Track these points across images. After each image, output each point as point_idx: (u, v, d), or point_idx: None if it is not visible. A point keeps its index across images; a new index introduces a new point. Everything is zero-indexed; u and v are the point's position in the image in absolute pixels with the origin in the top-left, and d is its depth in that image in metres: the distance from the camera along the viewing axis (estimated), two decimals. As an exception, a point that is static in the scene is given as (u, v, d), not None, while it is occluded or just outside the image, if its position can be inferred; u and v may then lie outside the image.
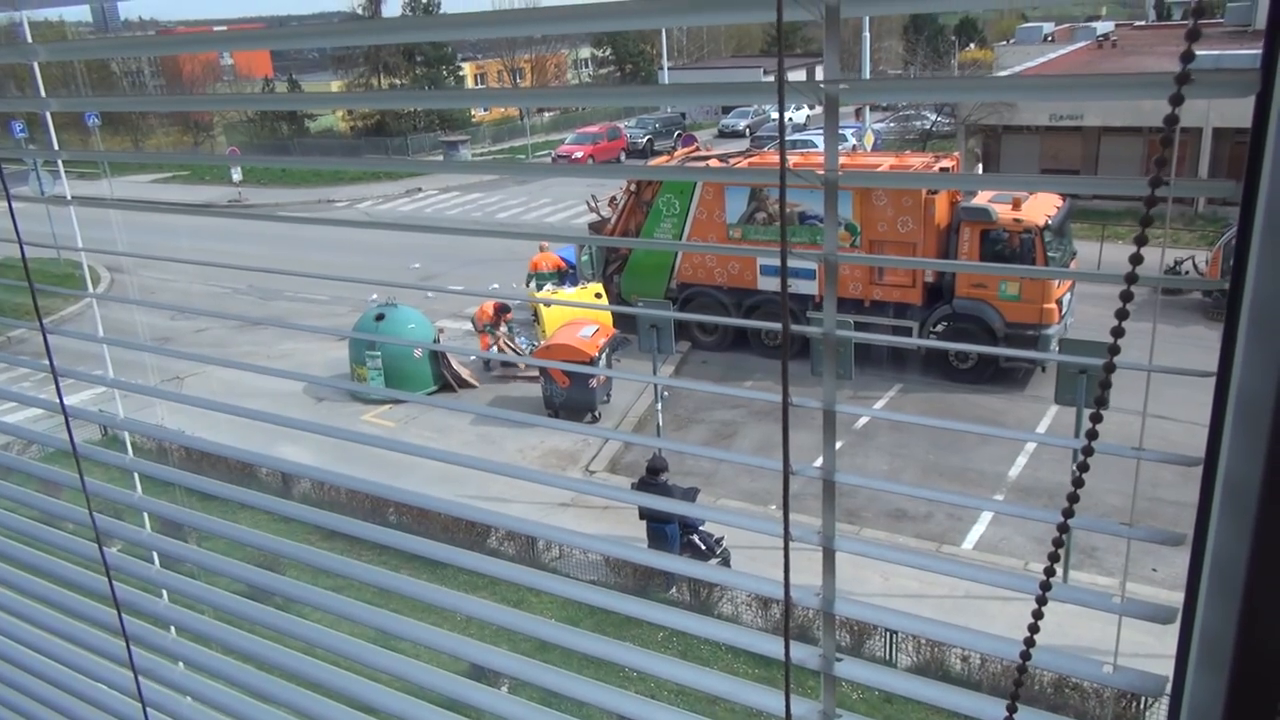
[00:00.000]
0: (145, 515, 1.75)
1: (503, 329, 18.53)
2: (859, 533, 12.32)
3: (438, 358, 17.33)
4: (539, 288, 20.85)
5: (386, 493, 1.66)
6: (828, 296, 1.19)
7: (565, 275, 20.52)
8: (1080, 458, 0.96)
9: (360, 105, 1.52)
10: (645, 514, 10.89)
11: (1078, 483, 0.94)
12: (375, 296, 23.06)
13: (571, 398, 15.77)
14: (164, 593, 1.75)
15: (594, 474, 14.27)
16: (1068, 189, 0.98)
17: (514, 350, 18.49)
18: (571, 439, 15.29)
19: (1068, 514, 0.94)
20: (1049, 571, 0.96)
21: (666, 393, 16.49)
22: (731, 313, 18.47)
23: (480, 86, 63.34)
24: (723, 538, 11.34)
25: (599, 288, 18.83)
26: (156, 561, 1.74)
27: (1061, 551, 0.97)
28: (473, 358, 18.34)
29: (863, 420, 15.51)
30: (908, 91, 1.01)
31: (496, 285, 23.28)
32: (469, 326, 19.00)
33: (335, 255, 26.56)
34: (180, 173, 43.65)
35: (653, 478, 10.77)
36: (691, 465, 14.36)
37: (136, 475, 1.73)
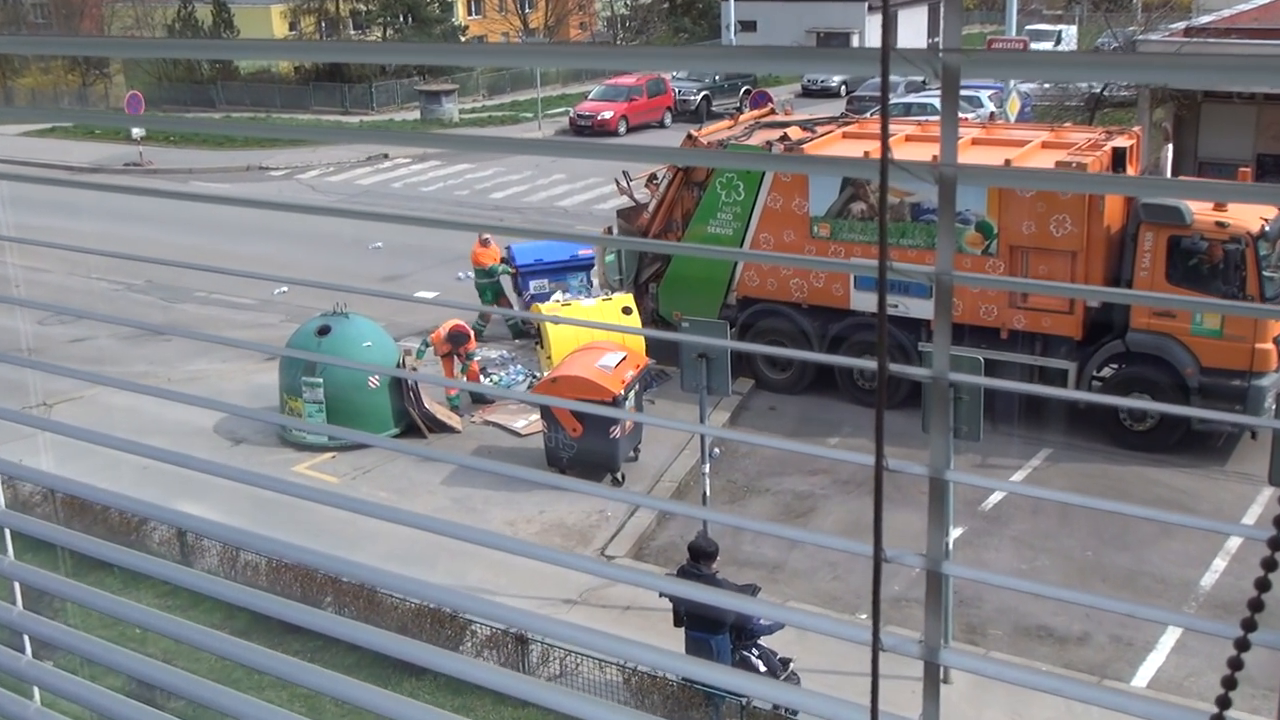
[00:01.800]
0: (16, 586, 1.83)
1: (456, 366, 18.47)
2: (985, 657, 12.24)
3: (402, 390, 17.52)
4: (487, 290, 21.26)
5: (324, 564, 1.72)
6: (939, 327, 1.25)
7: (515, 274, 21.10)
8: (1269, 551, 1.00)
9: (310, 57, 1.60)
10: (684, 619, 10.88)
11: (1263, 585, 0.99)
12: (284, 289, 23.58)
13: (585, 451, 15.86)
14: (36, 692, 1.82)
15: (612, 560, 14.31)
16: (1268, 199, 1.03)
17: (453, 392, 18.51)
18: (582, 511, 15.35)
19: (1249, 625, 0.98)
20: (1223, 701, 1.01)
21: (718, 449, 16.53)
22: (813, 342, 18.49)
23: (476, 42, 64.02)
24: (791, 659, 11.30)
25: (628, 300, 18.96)
26: (28, 650, 1.81)
27: (1240, 675, 1.02)
28: (456, 390, 18.49)
29: (994, 499, 15.44)
30: (1052, 67, 1.07)
31: (464, 275, 23.45)
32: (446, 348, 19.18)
33: (270, 244, 27.01)
34: (62, 124, 44.59)
35: (696, 566, 10.78)
36: (750, 552, 14.35)
37: (8, 533, 1.80)
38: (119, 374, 19.85)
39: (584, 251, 21.42)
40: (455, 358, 18.41)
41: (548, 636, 10.13)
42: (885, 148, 1.14)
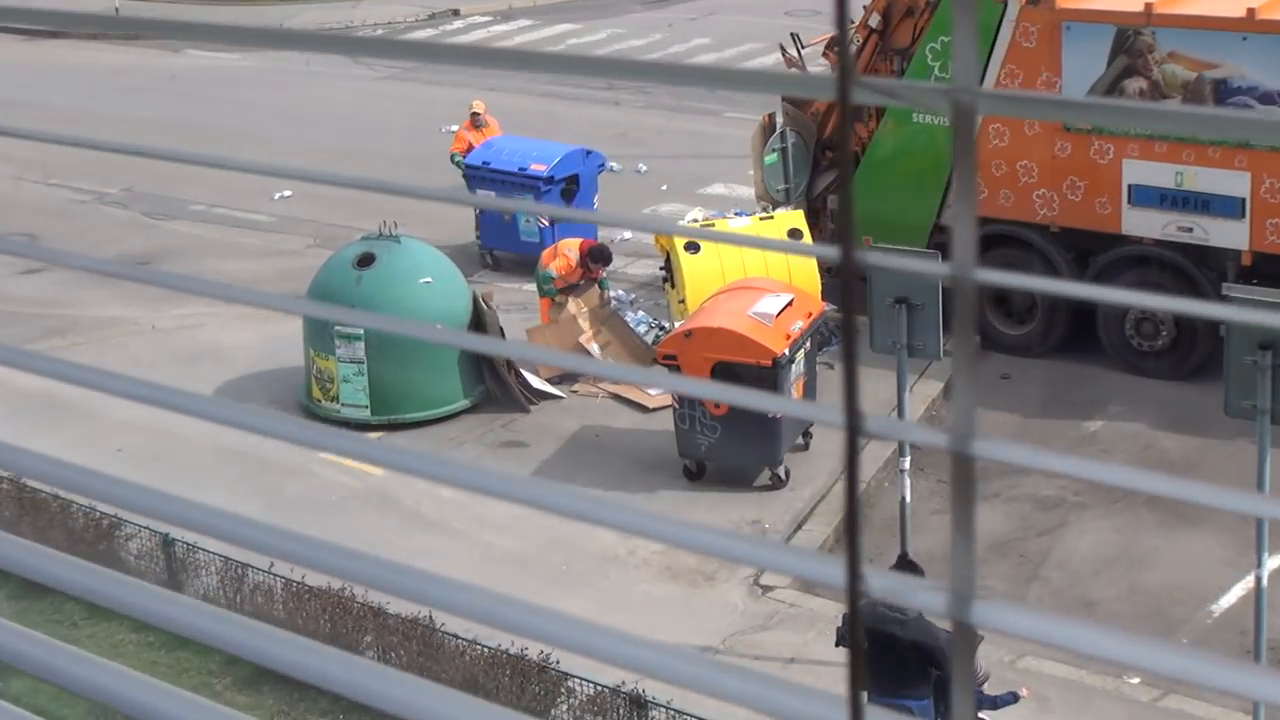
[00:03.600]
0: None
1: (585, 296, 18.62)
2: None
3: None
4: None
5: (376, 578, 1.72)
6: None
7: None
8: None
9: None
10: (868, 676, 10.87)
11: None
12: (287, 193, 24.03)
13: (733, 435, 15.81)
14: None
15: (768, 591, 14.34)
16: None
17: (617, 343, 18.61)
18: (726, 521, 15.32)
19: None
20: None
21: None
22: (1065, 273, 18.17)
23: None
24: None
25: (797, 219, 18.85)
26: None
27: None
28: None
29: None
30: None
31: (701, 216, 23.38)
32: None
33: (297, 129, 27.35)
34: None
35: (893, 605, 10.73)
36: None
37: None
38: (79, 323, 20.36)
39: (537, 166, 21.43)
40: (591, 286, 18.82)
41: (684, 689, 10.25)
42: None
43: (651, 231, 19.88)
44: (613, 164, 24.90)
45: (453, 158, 22.26)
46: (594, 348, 18.11)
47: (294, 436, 1.81)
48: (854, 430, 1.35)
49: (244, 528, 1.74)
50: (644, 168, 25.51)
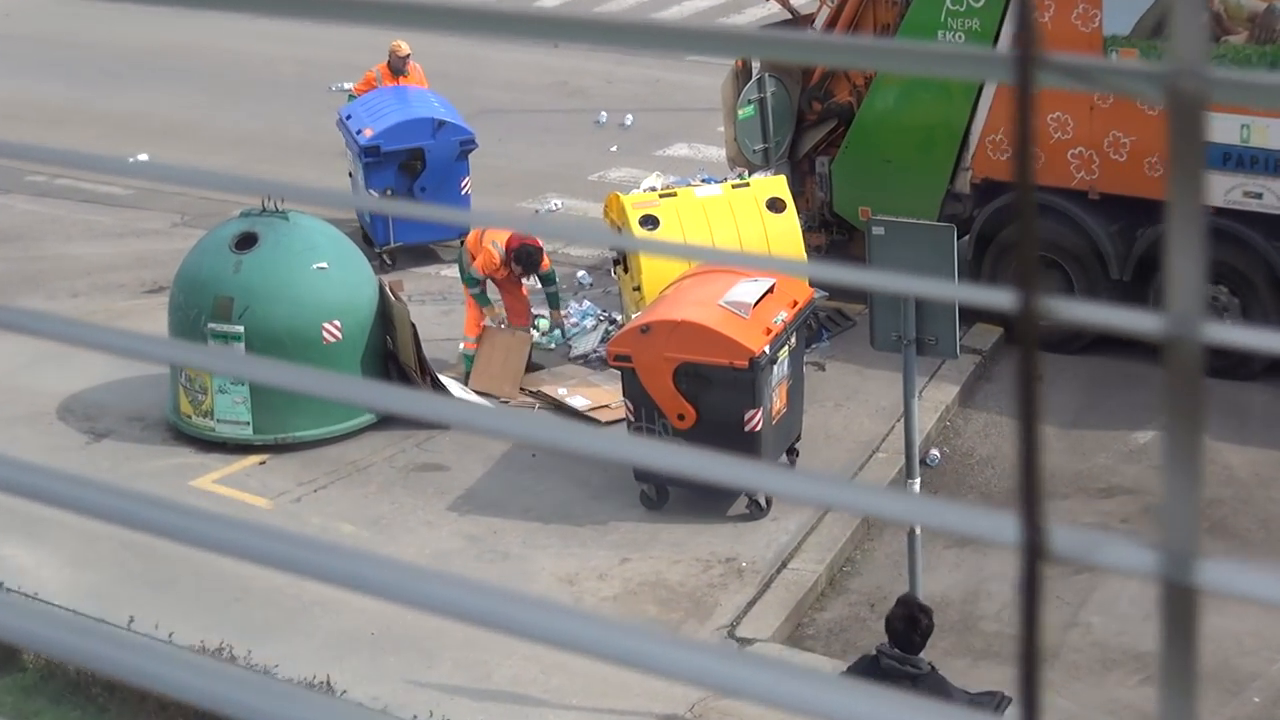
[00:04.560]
0: None
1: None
2: None
3: (389, 341, 17.55)
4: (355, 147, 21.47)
5: (228, 701, 1.67)
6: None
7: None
8: None
9: None
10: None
11: None
12: (144, 157, 24.00)
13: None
14: None
15: (747, 644, 14.33)
16: None
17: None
18: (695, 560, 15.36)
19: None
20: None
21: (939, 451, 16.37)
22: (1109, 257, 18.22)
23: None
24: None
25: (778, 186, 18.82)
26: None
27: None
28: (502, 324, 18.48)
29: None
30: None
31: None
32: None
33: (160, 91, 27.18)
34: None
35: (901, 657, 10.77)
36: (992, 631, 14.25)
37: None
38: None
39: (367, 132, 21.26)
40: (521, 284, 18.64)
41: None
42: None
43: (544, 235, 19.65)
44: (601, 114, 24.95)
45: (349, 97, 22.71)
46: (576, 400, 18.02)
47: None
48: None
49: (71, 636, 1.68)
50: (630, 119, 25.51)
